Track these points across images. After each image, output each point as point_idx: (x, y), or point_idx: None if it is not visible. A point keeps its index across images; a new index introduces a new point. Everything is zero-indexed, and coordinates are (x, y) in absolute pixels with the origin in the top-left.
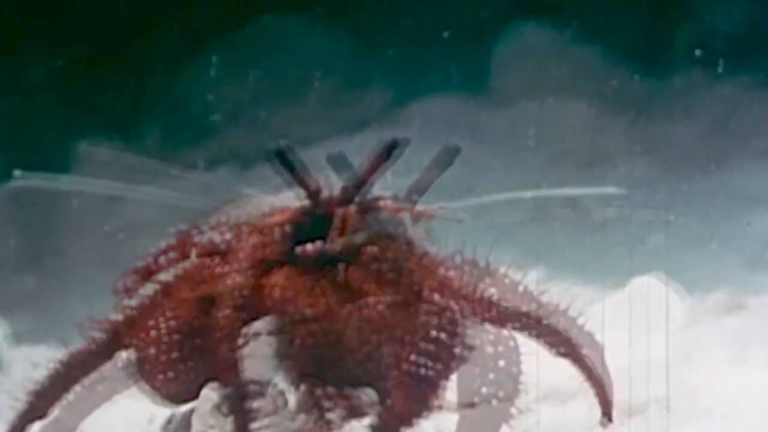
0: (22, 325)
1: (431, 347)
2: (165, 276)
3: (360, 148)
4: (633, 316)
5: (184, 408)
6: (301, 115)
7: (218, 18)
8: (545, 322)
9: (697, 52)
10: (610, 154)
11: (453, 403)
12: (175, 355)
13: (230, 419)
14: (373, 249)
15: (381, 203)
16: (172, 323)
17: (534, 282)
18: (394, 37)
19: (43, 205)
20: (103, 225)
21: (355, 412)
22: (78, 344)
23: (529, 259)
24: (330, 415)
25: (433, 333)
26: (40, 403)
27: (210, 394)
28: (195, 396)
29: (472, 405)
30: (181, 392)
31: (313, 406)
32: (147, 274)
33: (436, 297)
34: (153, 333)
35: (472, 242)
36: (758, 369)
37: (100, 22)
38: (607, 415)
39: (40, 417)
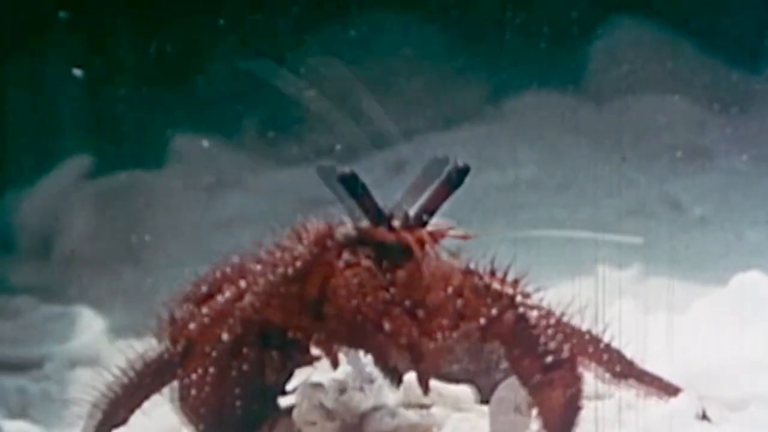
0: (119, 320)
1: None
2: (240, 284)
3: (455, 144)
4: (733, 313)
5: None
6: (398, 110)
7: (317, 13)
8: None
9: None
10: (708, 150)
11: None
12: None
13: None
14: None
15: (447, 231)
16: (226, 336)
17: (634, 278)
18: (490, 32)
19: (140, 199)
20: (200, 219)
21: None
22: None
23: (628, 255)
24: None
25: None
26: (116, 411)
27: (311, 392)
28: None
29: None
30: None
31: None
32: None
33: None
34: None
35: (573, 237)
36: None
37: (196, 11)
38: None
39: (120, 424)
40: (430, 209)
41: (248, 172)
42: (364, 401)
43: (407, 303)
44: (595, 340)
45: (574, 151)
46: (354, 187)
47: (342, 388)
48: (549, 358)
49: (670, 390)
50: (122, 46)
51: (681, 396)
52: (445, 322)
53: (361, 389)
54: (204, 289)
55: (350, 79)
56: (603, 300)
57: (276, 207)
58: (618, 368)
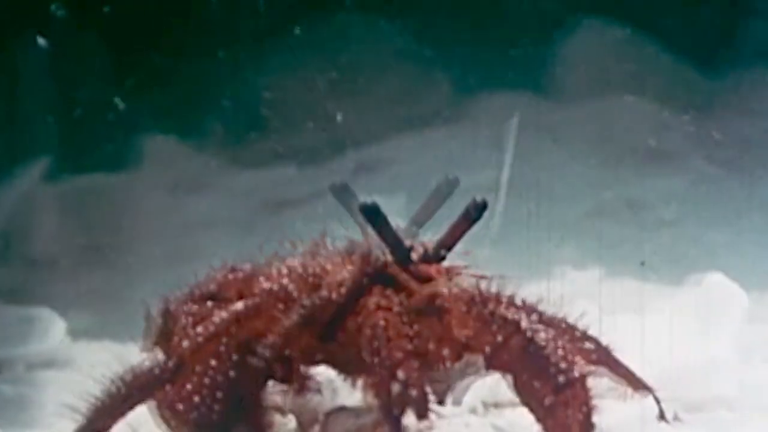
0: (81, 322)
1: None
2: (237, 306)
3: (420, 146)
4: (696, 314)
5: None
6: (361, 112)
7: (282, 15)
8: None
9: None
10: (671, 152)
11: None
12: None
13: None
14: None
15: (463, 269)
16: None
17: (594, 279)
18: (455, 33)
19: (106, 201)
20: (166, 221)
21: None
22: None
23: (589, 256)
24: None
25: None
26: (100, 419)
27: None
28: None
29: None
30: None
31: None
32: (200, 300)
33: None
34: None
35: (534, 238)
36: None
37: (159, 15)
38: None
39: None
40: (448, 244)
41: (215, 173)
42: (321, 403)
43: (418, 341)
44: (571, 329)
45: (539, 153)
46: (375, 219)
47: None
48: (561, 378)
49: (638, 385)
50: (88, 49)
51: (642, 397)
52: (446, 352)
53: (318, 391)
54: (208, 289)
55: (315, 82)
56: (565, 302)
57: (242, 209)
58: (594, 357)
